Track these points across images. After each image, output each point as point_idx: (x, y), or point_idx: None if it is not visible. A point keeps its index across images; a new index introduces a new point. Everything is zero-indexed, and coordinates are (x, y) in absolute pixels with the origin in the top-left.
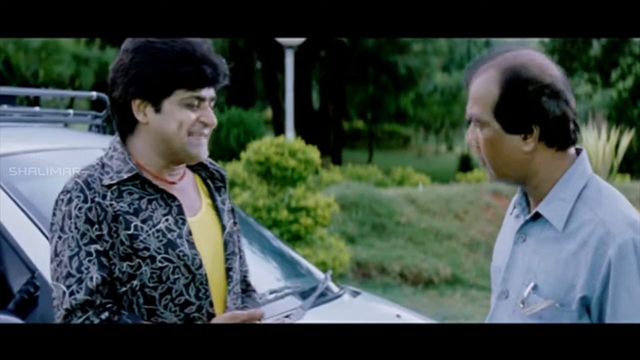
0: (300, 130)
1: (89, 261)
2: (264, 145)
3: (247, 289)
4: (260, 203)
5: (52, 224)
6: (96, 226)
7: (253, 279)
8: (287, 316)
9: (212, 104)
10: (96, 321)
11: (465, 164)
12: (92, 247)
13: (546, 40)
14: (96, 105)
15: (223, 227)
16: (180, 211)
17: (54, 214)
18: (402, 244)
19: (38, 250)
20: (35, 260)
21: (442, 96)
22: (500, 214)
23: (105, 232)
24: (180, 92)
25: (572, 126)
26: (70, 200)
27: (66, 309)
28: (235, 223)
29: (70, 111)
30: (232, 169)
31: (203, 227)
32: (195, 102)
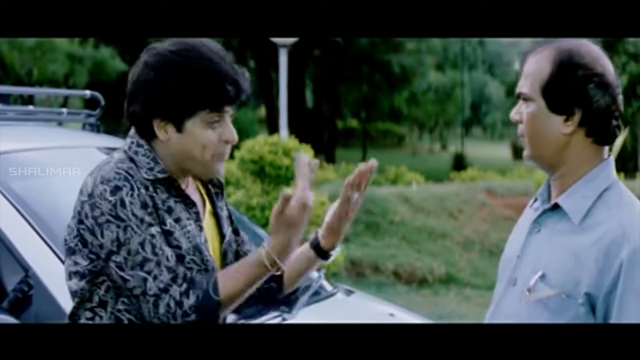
0: (294, 129)
1: (159, 241)
2: (257, 144)
3: None
4: (254, 202)
5: (85, 216)
6: (150, 210)
7: None
8: (280, 315)
9: (231, 117)
10: (185, 300)
11: (459, 163)
12: (154, 229)
13: (539, 39)
14: (90, 103)
15: (223, 236)
16: (198, 218)
17: (92, 207)
18: (396, 242)
19: (32, 249)
20: (29, 259)
21: (436, 95)
22: (494, 212)
23: (155, 219)
24: (203, 113)
25: (614, 123)
26: (117, 189)
27: (155, 294)
28: (235, 230)
29: (64, 110)
30: (225, 168)
31: (208, 235)
32: (217, 120)
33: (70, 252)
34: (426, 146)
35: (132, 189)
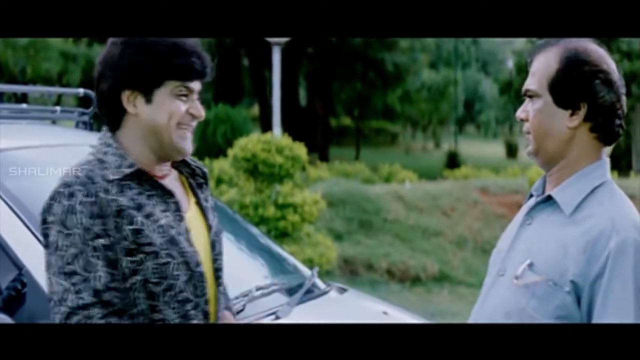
0: (287, 127)
1: (97, 257)
2: (251, 142)
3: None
4: (247, 200)
5: (45, 217)
6: (101, 220)
7: (240, 276)
8: (273, 313)
9: (198, 97)
10: (98, 322)
11: (453, 161)
12: (98, 242)
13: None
14: (83, 102)
15: (209, 227)
16: (178, 208)
17: (49, 207)
18: (389, 240)
19: (25, 247)
20: (22, 258)
21: (430, 93)
22: (487, 211)
23: (110, 226)
24: (171, 83)
25: (617, 122)
26: (72, 195)
27: (70, 307)
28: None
29: (58, 108)
30: (219, 166)
31: (193, 226)
32: (185, 93)
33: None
34: (420, 144)
35: (87, 195)
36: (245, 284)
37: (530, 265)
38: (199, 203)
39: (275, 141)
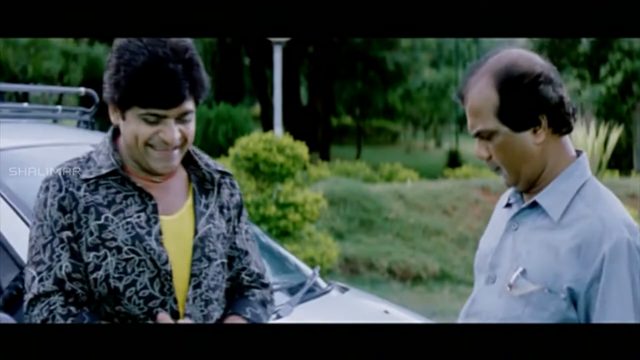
0: (288, 126)
1: (62, 248)
2: (252, 141)
3: (248, 285)
4: (249, 199)
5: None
6: (68, 215)
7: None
8: (275, 312)
9: (188, 117)
10: (59, 311)
11: (454, 160)
12: (64, 234)
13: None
14: (84, 101)
15: (195, 232)
16: (155, 210)
17: (36, 199)
18: (390, 239)
19: (26, 246)
20: (23, 257)
21: (431, 92)
22: (488, 209)
23: (74, 221)
24: (136, 108)
25: (571, 109)
26: (47, 189)
27: (33, 294)
28: (234, 229)
29: (59, 107)
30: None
31: (177, 228)
32: (152, 119)
33: None
34: (420, 143)
35: (59, 190)
36: None
37: (523, 273)
38: (194, 207)
39: (277, 140)
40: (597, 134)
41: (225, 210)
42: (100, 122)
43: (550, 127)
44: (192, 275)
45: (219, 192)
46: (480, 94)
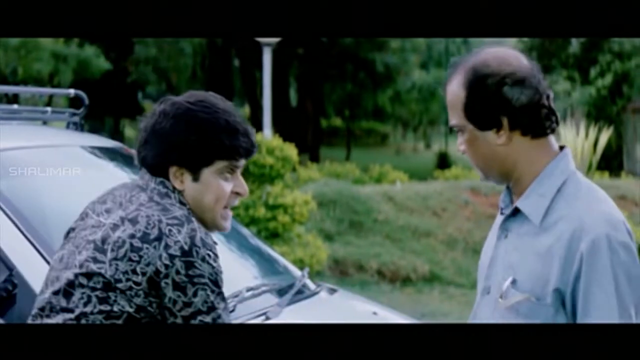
0: (277, 128)
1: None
2: None
3: None
4: (238, 200)
5: (185, 274)
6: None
7: (230, 277)
8: (263, 314)
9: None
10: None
11: (443, 162)
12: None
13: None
14: (74, 102)
15: None
16: None
17: (192, 265)
18: (380, 241)
19: (16, 249)
20: (13, 258)
21: (420, 93)
22: (478, 211)
23: None
24: (219, 162)
25: (545, 112)
26: (217, 257)
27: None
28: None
29: (49, 109)
30: None
31: None
32: (231, 172)
33: (105, 286)
34: (410, 145)
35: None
36: (236, 285)
37: (513, 283)
38: None
39: (266, 142)
40: (587, 135)
41: None
42: (89, 123)
43: (516, 130)
44: None
45: None
46: (451, 91)
